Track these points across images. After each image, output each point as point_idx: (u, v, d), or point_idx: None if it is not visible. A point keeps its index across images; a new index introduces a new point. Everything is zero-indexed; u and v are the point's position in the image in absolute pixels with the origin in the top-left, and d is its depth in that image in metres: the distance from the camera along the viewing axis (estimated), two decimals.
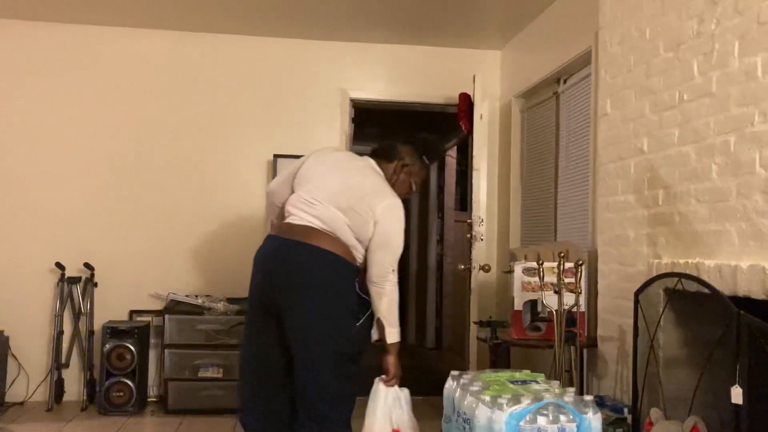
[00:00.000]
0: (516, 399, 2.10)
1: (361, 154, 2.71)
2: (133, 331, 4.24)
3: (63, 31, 4.61)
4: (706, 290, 2.19)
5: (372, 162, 2.64)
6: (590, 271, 3.20)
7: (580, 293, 2.91)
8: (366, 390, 2.50)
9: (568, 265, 2.90)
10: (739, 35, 2.22)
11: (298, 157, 3.02)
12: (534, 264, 3.08)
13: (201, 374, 4.23)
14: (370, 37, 4.79)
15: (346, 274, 2.41)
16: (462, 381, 2.42)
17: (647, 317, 2.52)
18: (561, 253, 2.92)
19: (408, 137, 2.75)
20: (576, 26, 3.73)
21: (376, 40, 4.84)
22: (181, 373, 4.23)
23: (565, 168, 4.04)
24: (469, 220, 4.37)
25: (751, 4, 2.17)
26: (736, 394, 1.90)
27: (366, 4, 4.18)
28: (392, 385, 2.48)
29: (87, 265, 4.50)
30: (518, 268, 3.23)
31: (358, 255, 2.45)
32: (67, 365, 4.46)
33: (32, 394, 4.43)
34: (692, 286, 2.29)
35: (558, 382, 2.46)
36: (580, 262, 2.91)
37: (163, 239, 4.63)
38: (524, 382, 2.39)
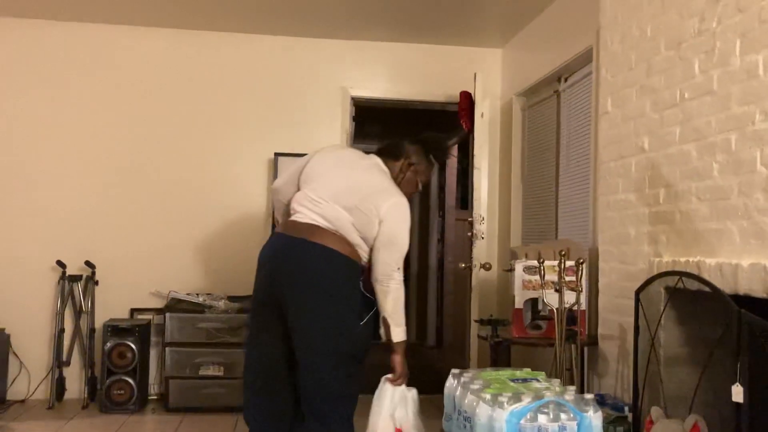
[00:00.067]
0: (517, 397, 2.10)
1: (366, 152, 2.70)
2: (134, 329, 4.24)
3: (63, 29, 4.61)
4: (707, 289, 2.19)
5: (378, 160, 2.63)
6: (591, 270, 3.20)
7: (581, 291, 2.91)
8: (370, 389, 2.50)
9: (569, 263, 2.90)
10: (740, 33, 2.22)
11: (299, 155, 3.03)
12: (535, 262, 3.08)
13: (202, 372, 4.23)
14: (371, 36, 4.79)
15: (350, 273, 2.41)
16: (463, 379, 2.42)
17: (648, 316, 2.52)
18: (562, 251, 2.92)
19: (415, 135, 2.74)
20: (577, 25, 3.73)
21: (376, 38, 4.84)
22: (182, 371, 4.23)
23: (565, 166, 4.04)
24: (470, 219, 4.36)
25: (752, 2, 2.17)
26: (737, 393, 1.90)
27: (366, 3, 4.18)
28: (399, 384, 2.47)
29: (88, 264, 4.50)
30: (519, 267, 3.24)
31: (363, 254, 2.45)
32: (68, 363, 4.47)
33: (33, 392, 4.43)
34: (693, 285, 2.29)
35: (559, 380, 2.47)
36: (581, 261, 2.92)
37: (164, 237, 4.63)
38: (525, 380, 2.39)
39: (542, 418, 2.08)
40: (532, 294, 3.20)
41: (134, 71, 4.69)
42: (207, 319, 4.27)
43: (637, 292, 2.56)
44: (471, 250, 4.28)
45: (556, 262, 2.93)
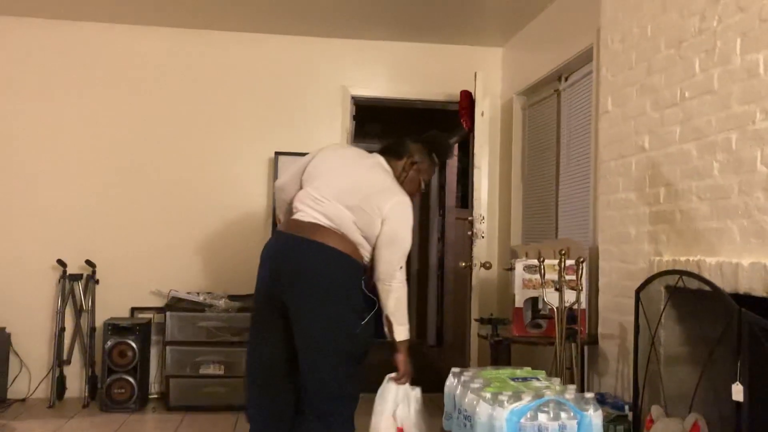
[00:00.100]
0: (517, 396, 2.10)
1: (369, 151, 2.70)
2: (135, 328, 4.25)
3: (64, 28, 4.61)
4: (707, 288, 2.19)
5: (381, 159, 2.62)
6: (591, 269, 3.20)
7: (581, 290, 2.91)
8: (371, 388, 2.50)
9: (569, 262, 2.90)
10: (740, 32, 2.22)
11: (299, 154, 3.03)
12: (535, 261, 3.08)
13: (202, 371, 4.24)
14: (372, 35, 4.79)
15: (352, 273, 2.41)
16: (463, 378, 2.42)
17: (648, 315, 2.52)
18: (562, 250, 2.92)
19: (417, 134, 2.74)
20: (577, 24, 3.73)
21: (377, 38, 4.84)
22: (182, 370, 4.24)
23: (566, 165, 4.04)
24: (470, 218, 4.36)
25: (752, 1, 2.16)
26: (737, 392, 1.90)
27: (367, 2, 4.18)
28: (403, 383, 2.47)
29: (88, 263, 4.51)
30: (519, 266, 3.24)
31: (365, 253, 2.45)
32: (68, 362, 4.47)
33: (34, 391, 4.44)
34: (693, 284, 2.29)
35: (559, 379, 2.46)
36: (581, 260, 2.92)
37: (165, 236, 4.63)
38: (525, 379, 2.39)
39: (542, 417, 2.08)
40: (533, 293, 3.20)
41: (134, 70, 4.69)
42: (207, 318, 4.27)
43: (638, 291, 2.56)
44: (471, 249, 4.28)
45: (556, 261, 2.93)
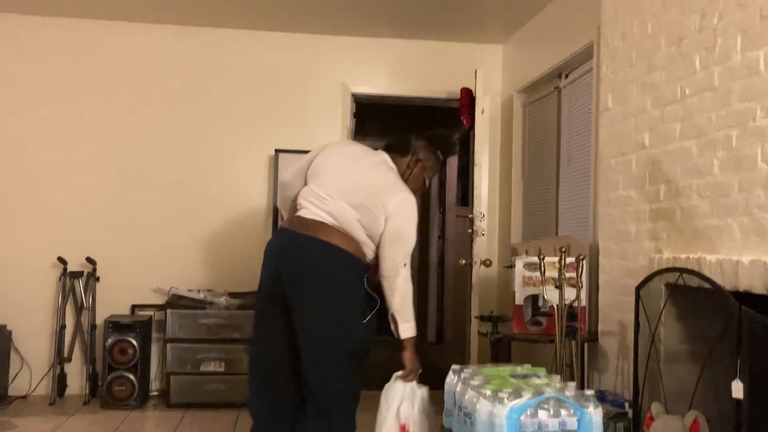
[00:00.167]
0: (517, 393, 2.10)
1: (374, 148, 2.69)
2: (135, 326, 4.25)
3: (65, 26, 4.60)
4: (707, 285, 2.19)
5: (386, 156, 2.62)
6: (591, 266, 3.20)
7: (581, 288, 2.91)
8: (373, 385, 2.50)
9: (570, 259, 2.90)
10: (741, 30, 2.22)
11: (300, 152, 3.03)
12: (535, 259, 3.08)
13: (203, 368, 4.24)
14: (372, 32, 4.78)
15: (355, 271, 2.41)
16: (463, 375, 2.42)
17: (648, 312, 2.52)
18: (562, 247, 2.92)
19: (421, 132, 2.73)
20: (578, 21, 3.72)
21: (377, 35, 4.83)
22: (183, 368, 4.24)
23: (566, 163, 4.04)
24: (470, 216, 4.36)
25: None
26: (737, 389, 1.90)
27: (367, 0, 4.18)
28: (410, 381, 2.47)
29: (89, 260, 4.51)
30: (519, 263, 3.24)
31: (369, 251, 2.45)
32: (69, 359, 4.48)
33: (35, 388, 4.44)
34: (693, 281, 2.29)
35: (559, 376, 2.47)
36: (582, 257, 2.91)
37: (165, 234, 4.63)
38: (525, 376, 2.40)
39: (542, 414, 2.08)
40: (533, 290, 3.20)
41: (135, 68, 4.68)
42: (208, 316, 4.28)
43: (638, 289, 2.56)
44: (471, 247, 4.28)
45: (556, 259, 2.93)
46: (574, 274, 2.90)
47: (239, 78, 4.77)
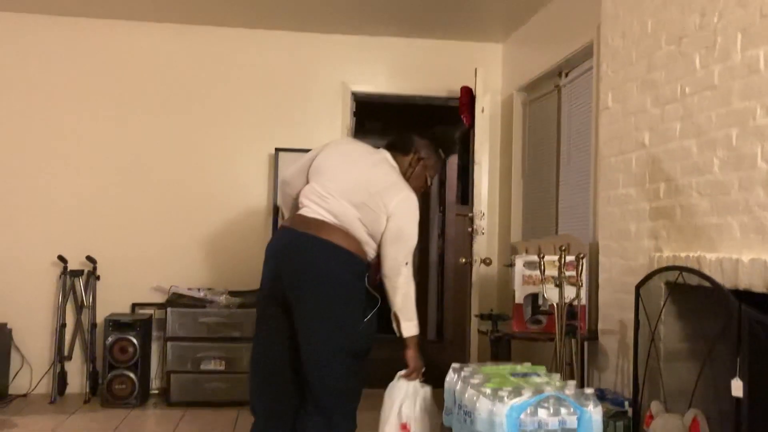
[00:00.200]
0: (517, 392, 2.10)
1: (376, 146, 2.69)
2: (136, 324, 4.25)
3: (64, 24, 4.60)
4: (707, 284, 2.19)
5: (387, 155, 2.61)
6: (591, 265, 3.20)
7: (581, 286, 2.91)
8: (376, 384, 2.50)
9: (569, 258, 2.90)
10: (741, 28, 2.22)
11: (300, 151, 3.03)
12: (535, 257, 3.08)
13: (203, 367, 4.25)
14: (372, 31, 4.78)
15: (355, 271, 2.41)
16: (463, 374, 2.42)
17: (648, 311, 2.52)
18: (562, 246, 2.92)
19: (422, 130, 2.73)
20: (578, 19, 3.72)
21: (377, 34, 4.83)
22: (183, 366, 4.24)
23: (566, 162, 4.04)
24: (470, 214, 4.36)
25: None
26: (737, 387, 1.91)
27: None
28: (413, 379, 2.48)
29: (89, 259, 4.51)
30: (519, 262, 3.24)
31: (370, 250, 2.46)
32: (69, 358, 4.48)
33: (35, 387, 4.45)
34: (693, 280, 2.29)
35: (559, 375, 2.47)
36: (582, 256, 2.92)
37: (166, 233, 4.63)
38: (525, 375, 2.40)
39: (542, 413, 2.08)
40: (533, 289, 3.20)
41: (134, 66, 4.68)
42: (208, 314, 4.28)
43: (638, 287, 2.57)
44: (471, 246, 4.28)
45: (556, 257, 2.93)
46: (573, 273, 2.90)
47: (239, 77, 4.77)
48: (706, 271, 2.23)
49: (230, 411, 4.05)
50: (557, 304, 2.88)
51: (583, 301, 3.02)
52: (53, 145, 4.59)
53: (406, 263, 2.45)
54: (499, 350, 3.35)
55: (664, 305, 2.49)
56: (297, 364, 2.42)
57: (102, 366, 4.29)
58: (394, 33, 4.81)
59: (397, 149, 2.64)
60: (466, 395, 2.27)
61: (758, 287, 2.02)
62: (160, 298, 4.52)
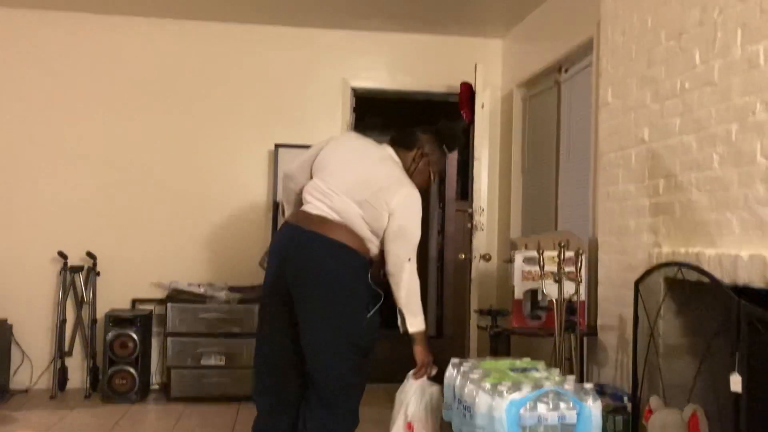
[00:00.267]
0: (516, 387, 2.11)
1: (379, 141, 2.68)
2: (136, 320, 4.26)
3: (64, 21, 4.59)
4: (706, 279, 2.20)
5: (391, 151, 2.61)
6: (591, 261, 3.20)
7: (581, 282, 2.92)
8: (380, 379, 2.50)
9: (569, 254, 2.90)
10: (741, 24, 2.21)
11: (300, 146, 3.02)
12: (534, 253, 3.08)
13: (203, 362, 4.25)
14: (372, 26, 4.77)
15: (358, 267, 2.42)
16: (462, 369, 2.43)
17: (647, 306, 2.53)
18: (561, 242, 2.92)
19: (419, 125, 2.72)
20: (578, 15, 3.72)
21: (377, 29, 4.82)
22: (183, 361, 4.25)
23: (566, 157, 4.04)
24: (469, 210, 4.37)
25: None
26: (735, 382, 1.91)
27: None
28: (422, 374, 2.49)
29: (89, 254, 4.51)
30: (519, 258, 3.24)
31: (373, 247, 2.46)
32: (70, 353, 4.49)
33: (36, 382, 4.45)
34: (693, 276, 2.29)
35: (558, 369, 2.48)
36: (581, 251, 2.92)
37: (165, 228, 4.64)
38: (524, 370, 2.40)
39: (542, 408, 2.09)
40: (532, 285, 3.20)
41: (134, 62, 4.68)
42: (208, 310, 4.28)
43: (637, 283, 2.57)
44: (471, 241, 4.28)
45: (555, 253, 2.94)
46: (573, 269, 2.90)
47: (239, 72, 4.76)
48: (706, 267, 2.23)
49: (231, 406, 4.07)
50: (556, 300, 2.89)
51: (583, 296, 3.03)
52: (53, 140, 4.59)
53: (409, 259, 2.46)
54: (499, 346, 3.36)
55: (663, 301, 2.50)
56: (301, 360, 2.43)
57: (102, 361, 4.30)
58: (394, 28, 4.80)
59: (400, 145, 2.64)
60: (466, 390, 2.28)
61: (757, 283, 2.02)
62: (160, 294, 4.52)
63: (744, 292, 2.02)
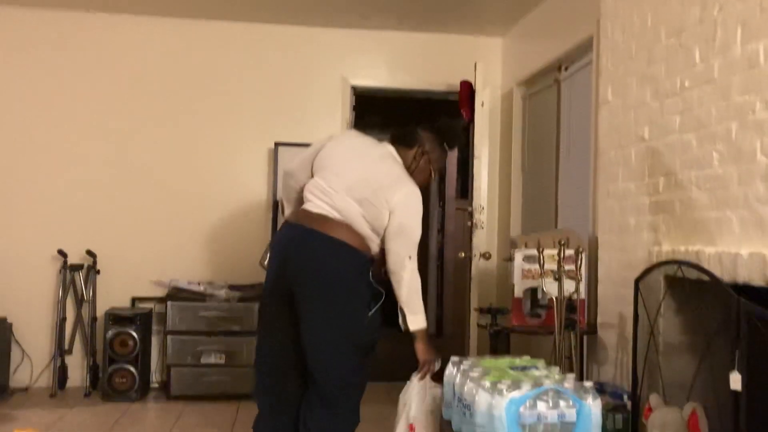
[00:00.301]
0: (516, 385, 2.11)
1: (380, 139, 2.68)
2: (136, 318, 4.26)
3: (64, 19, 4.59)
4: (706, 277, 2.20)
5: (391, 149, 2.61)
6: (591, 259, 3.20)
7: (581, 280, 2.91)
8: (376, 376, 2.51)
9: (569, 252, 2.90)
10: (741, 22, 2.21)
11: (299, 145, 3.02)
12: (534, 251, 3.08)
13: (203, 360, 4.25)
14: (371, 24, 4.77)
15: (359, 266, 2.42)
16: (462, 367, 2.43)
17: (647, 304, 2.53)
18: (561, 240, 2.92)
19: (419, 124, 2.72)
20: (577, 13, 3.72)
21: (377, 27, 4.82)
22: (183, 360, 4.25)
23: (565, 156, 4.04)
24: (469, 208, 4.37)
25: None
26: (735, 380, 1.91)
27: None
28: (425, 373, 2.49)
29: (89, 253, 4.51)
30: (519, 256, 3.24)
31: (374, 245, 2.46)
32: (70, 351, 4.49)
33: (36, 380, 4.46)
34: (692, 274, 2.29)
35: (558, 368, 2.48)
36: (581, 250, 2.92)
37: (165, 226, 4.64)
38: (524, 368, 2.40)
39: (541, 406, 2.09)
40: (532, 283, 3.20)
41: (134, 60, 4.68)
42: (208, 308, 4.28)
43: (637, 281, 2.57)
44: (471, 240, 4.28)
45: (555, 251, 2.94)
46: (573, 267, 2.90)
47: (239, 71, 4.76)
48: (705, 265, 2.23)
49: (230, 404, 4.07)
50: (556, 298, 2.89)
51: (582, 294, 3.03)
52: (52, 139, 4.59)
53: (410, 257, 2.46)
54: (498, 344, 3.36)
55: (663, 299, 2.50)
56: (301, 360, 2.43)
57: (102, 360, 4.30)
58: (394, 27, 4.80)
59: (400, 143, 2.63)
60: (466, 389, 2.28)
61: (757, 281, 2.02)
62: (160, 292, 4.53)
63: (744, 290, 2.02)
